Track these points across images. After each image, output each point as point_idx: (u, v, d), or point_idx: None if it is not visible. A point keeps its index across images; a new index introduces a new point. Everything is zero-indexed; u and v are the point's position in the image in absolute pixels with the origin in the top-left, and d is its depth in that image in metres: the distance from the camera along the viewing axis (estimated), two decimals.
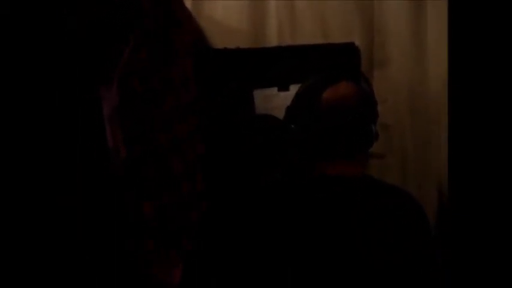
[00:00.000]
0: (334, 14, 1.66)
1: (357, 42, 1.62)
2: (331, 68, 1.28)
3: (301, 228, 1.09)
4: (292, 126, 1.20)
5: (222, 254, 1.15)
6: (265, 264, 1.08)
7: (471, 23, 0.92)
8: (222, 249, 1.16)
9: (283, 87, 1.55)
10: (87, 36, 1.18)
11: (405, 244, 1.11)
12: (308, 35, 1.66)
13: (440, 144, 1.56)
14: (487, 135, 0.90)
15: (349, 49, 1.59)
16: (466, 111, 0.92)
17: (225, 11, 1.63)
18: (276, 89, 1.56)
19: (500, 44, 0.88)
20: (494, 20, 0.89)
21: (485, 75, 0.90)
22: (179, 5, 1.39)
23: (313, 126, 1.17)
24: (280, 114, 1.42)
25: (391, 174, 1.60)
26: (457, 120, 0.95)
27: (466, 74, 0.93)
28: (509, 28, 0.88)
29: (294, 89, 1.44)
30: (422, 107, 1.61)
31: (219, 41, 1.59)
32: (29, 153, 1.16)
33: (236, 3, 1.63)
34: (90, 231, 1.23)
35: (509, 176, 0.87)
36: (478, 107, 0.91)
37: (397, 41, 1.64)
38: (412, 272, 1.11)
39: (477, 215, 0.91)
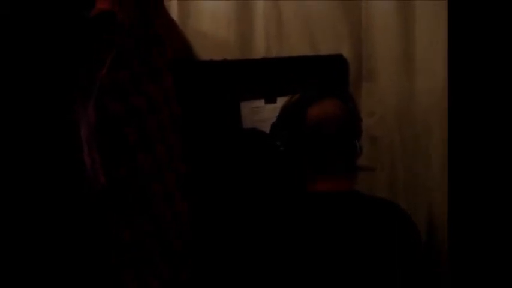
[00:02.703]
0: (322, 26, 1.65)
1: (345, 55, 1.61)
2: (316, 83, 1.28)
3: (292, 246, 1.09)
4: (278, 143, 1.21)
5: (221, 271, 1.19)
6: (261, 281, 1.08)
7: (471, 26, 0.91)
8: (221, 267, 1.20)
9: (271, 100, 1.53)
10: (63, 55, 1.16)
11: (395, 256, 1.11)
12: (296, 47, 1.64)
13: (430, 156, 1.54)
14: (486, 141, 0.88)
15: (337, 61, 1.58)
16: (465, 118, 0.91)
17: (211, 23, 1.61)
18: (263, 101, 1.54)
19: (500, 47, 0.87)
20: (494, 21, 0.88)
21: (485, 80, 0.89)
22: (163, 22, 1.36)
23: (299, 144, 1.18)
24: (267, 126, 1.41)
25: (379, 187, 1.59)
26: (456, 128, 0.94)
27: (465, 79, 0.92)
28: (509, 29, 0.87)
29: (281, 101, 1.43)
30: (411, 120, 1.60)
31: (205, 53, 1.56)
32: None
33: (223, 15, 1.61)
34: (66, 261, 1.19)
35: (508, 183, 0.86)
36: (477, 113, 0.89)
37: (386, 54, 1.63)
38: (401, 282, 1.11)
39: (476, 223, 0.90)
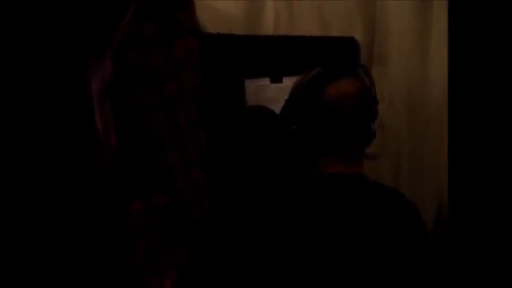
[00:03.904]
0: (334, 10, 1.61)
1: (358, 38, 1.57)
2: (333, 62, 1.22)
3: (300, 228, 1.05)
4: (290, 121, 1.16)
5: (223, 253, 1.13)
6: (265, 261, 1.05)
7: (471, 24, 0.87)
8: (223, 248, 1.14)
9: (276, 79, 1.48)
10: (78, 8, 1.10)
11: (399, 244, 1.07)
12: (306, 31, 1.60)
13: (438, 145, 1.50)
14: (487, 137, 0.85)
15: (349, 43, 1.53)
16: (466, 112, 0.88)
17: None
18: (268, 80, 1.49)
19: (501, 45, 0.84)
20: (495, 20, 0.85)
21: (485, 76, 0.85)
22: None
23: (314, 122, 1.12)
24: (271, 106, 1.36)
25: (385, 174, 1.54)
26: (457, 122, 0.90)
27: (466, 75, 0.88)
28: (509, 29, 0.83)
29: (287, 81, 1.38)
30: (420, 107, 1.56)
31: (212, 27, 1.51)
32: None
33: None
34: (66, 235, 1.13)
35: (509, 177, 0.82)
36: (478, 108, 0.86)
37: (399, 40, 1.60)
38: (404, 272, 1.06)
39: (477, 216, 0.86)
